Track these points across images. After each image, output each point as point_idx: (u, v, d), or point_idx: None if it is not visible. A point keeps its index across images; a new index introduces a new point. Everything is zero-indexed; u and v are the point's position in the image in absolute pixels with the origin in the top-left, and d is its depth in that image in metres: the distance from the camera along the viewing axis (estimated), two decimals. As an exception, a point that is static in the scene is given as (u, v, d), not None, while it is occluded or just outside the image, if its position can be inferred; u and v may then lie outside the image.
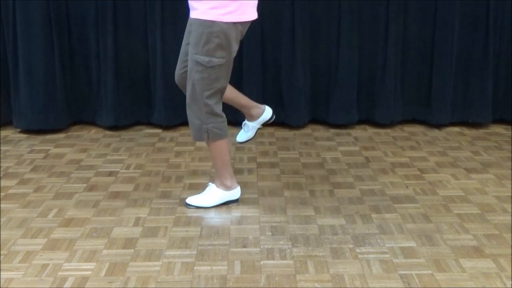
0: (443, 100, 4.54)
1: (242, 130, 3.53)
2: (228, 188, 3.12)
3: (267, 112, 3.44)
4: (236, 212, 3.06)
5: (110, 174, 3.61)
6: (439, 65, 4.50)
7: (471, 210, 3.08)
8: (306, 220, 2.96)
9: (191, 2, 2.88)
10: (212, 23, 2.80)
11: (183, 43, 3.05)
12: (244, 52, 4.37)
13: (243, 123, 3.51)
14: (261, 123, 3.46)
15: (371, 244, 2.70)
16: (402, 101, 4.61)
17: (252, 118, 3.44)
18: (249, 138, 3.52)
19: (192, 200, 3.12)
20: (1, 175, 3.59)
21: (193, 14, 2.88)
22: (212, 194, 3.12)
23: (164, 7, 4.34)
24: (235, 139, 3.57)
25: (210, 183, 3.17)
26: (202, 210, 3.08)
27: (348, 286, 2.37)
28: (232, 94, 3.28)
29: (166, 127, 4.50)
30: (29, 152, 4.03)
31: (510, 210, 3.07)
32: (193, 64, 2.88)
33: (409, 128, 4.57)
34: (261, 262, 2.55)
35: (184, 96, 2.99)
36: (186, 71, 2.99)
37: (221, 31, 2.81)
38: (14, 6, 4.29)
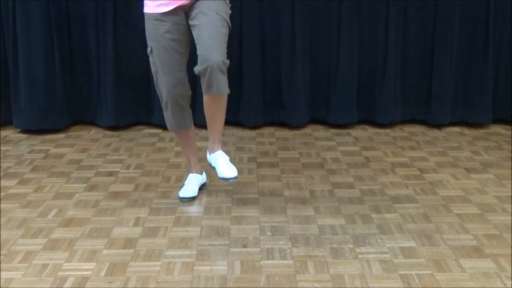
0: (443, 100, 4.54)
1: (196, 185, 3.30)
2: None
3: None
4: (236, 212, 3.06)
5: (110, 174, 3.61)
6: (439, 65, 4.50)
7: (471, 210, 3.08)
8: (306, 220, 2.96)
9: None
10: None
11: (168, 48, 2.96)
12: (244, 52, 4.37)
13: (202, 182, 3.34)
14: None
15: (371, 244, 2.70)
16: (402, 101, 4.61)
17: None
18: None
19: (233, 171, 2.96)
20: (1, 175, 3.59)
21: None
22: (228, 160, 3.05)
23: (164, 7, 4.34)
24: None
25: (219, 152, 3.04)
26: (202, 210, 3.08)
27: (348, 286, 2.37)
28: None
29: (166, 127, 4.49)
30: (29, 152, 4.03)
31: (510, 210, 3.07)
32: (220, 21, 2.86)
33: (409, 128, 4.57)
34: (261, 262, 2.55)
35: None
36: (183, 81, 3.02)
37: None
38: (14, 6, 4.29)
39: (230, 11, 2.98)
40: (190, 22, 2.94)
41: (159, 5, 2.92)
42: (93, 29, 4.41)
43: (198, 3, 2.91)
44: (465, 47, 4.51)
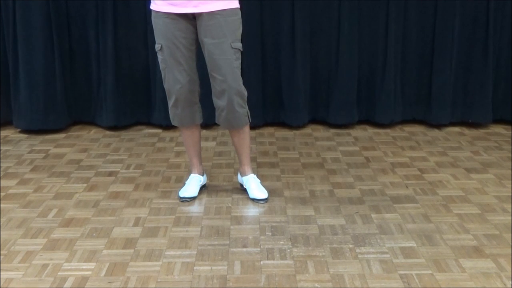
0: (443, 100, 4.54)
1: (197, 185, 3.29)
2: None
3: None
4: (236, 212, 3.06)
5: (110, 174, 3.61)
6: (439, 65, 4.50)
7: (471, 210, 3.08)
8: (306, 220, 2.96)
9: None
10: (238, 10, 3.02)
11: (179, 46, 2.98)
12: (244, 52, 4.33)
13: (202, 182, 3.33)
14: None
15: (371, 244, 2.70)
16: (402, 101, 4.61)
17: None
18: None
19: (263, 193, 3.19)
20: (1, 175, 3.59)
21: (217, 5, 2.91)
22: (259, 183, 3.26)
23: (164, 7, 4.34)
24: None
25: (251, 175, 3.24)
26: (202, 210, 3.08)
27: (348, 286, 2.37)
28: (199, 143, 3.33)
29: (166, 127, 4.50)
30: (29, 152, 4.03)
31: (510, 210, 3.07)
32: (231, 53, 2.99)
33: (409, 128, 4.57)
34: (261, 262, 2.55)
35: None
36: (193, 78, 3.06)
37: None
38: (14, 6, 4.29)
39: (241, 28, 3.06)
40: (204, 42, 2.98)
41: (170, 4, 2.92)
42: (93, 29, 4.41)
43: (212, 23, 2.93)
44: (465, 47, 4.51)
